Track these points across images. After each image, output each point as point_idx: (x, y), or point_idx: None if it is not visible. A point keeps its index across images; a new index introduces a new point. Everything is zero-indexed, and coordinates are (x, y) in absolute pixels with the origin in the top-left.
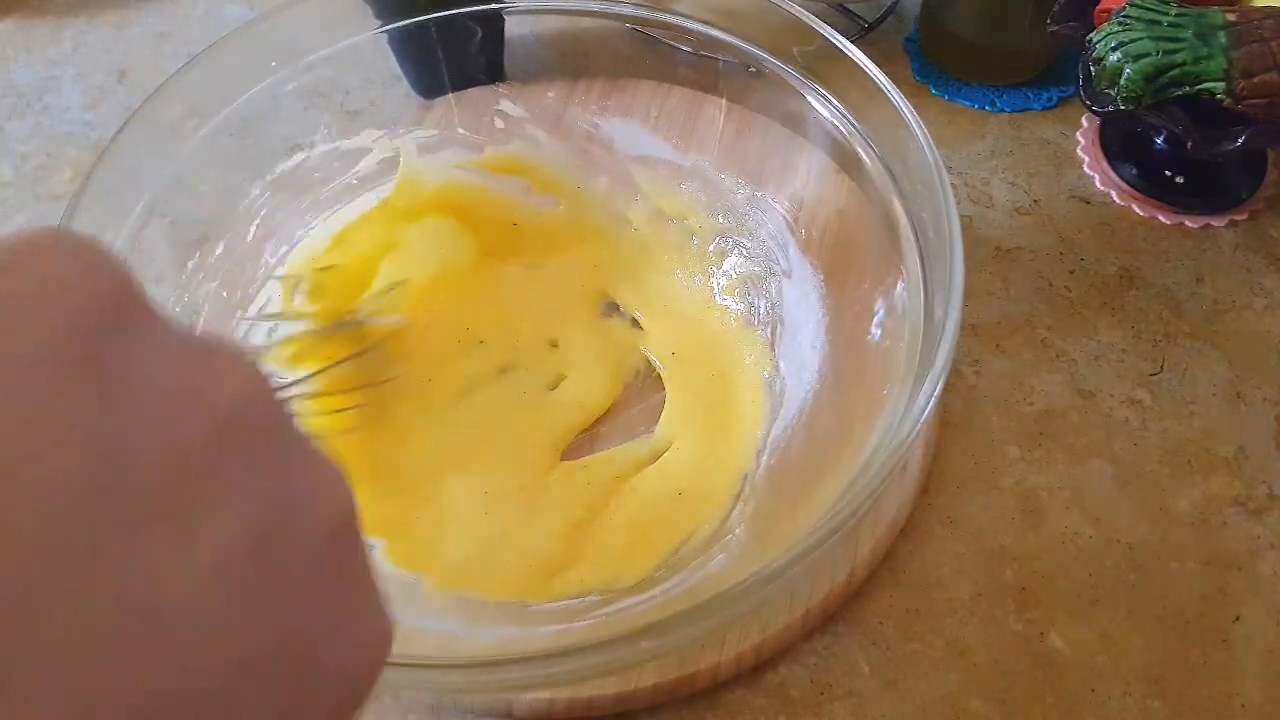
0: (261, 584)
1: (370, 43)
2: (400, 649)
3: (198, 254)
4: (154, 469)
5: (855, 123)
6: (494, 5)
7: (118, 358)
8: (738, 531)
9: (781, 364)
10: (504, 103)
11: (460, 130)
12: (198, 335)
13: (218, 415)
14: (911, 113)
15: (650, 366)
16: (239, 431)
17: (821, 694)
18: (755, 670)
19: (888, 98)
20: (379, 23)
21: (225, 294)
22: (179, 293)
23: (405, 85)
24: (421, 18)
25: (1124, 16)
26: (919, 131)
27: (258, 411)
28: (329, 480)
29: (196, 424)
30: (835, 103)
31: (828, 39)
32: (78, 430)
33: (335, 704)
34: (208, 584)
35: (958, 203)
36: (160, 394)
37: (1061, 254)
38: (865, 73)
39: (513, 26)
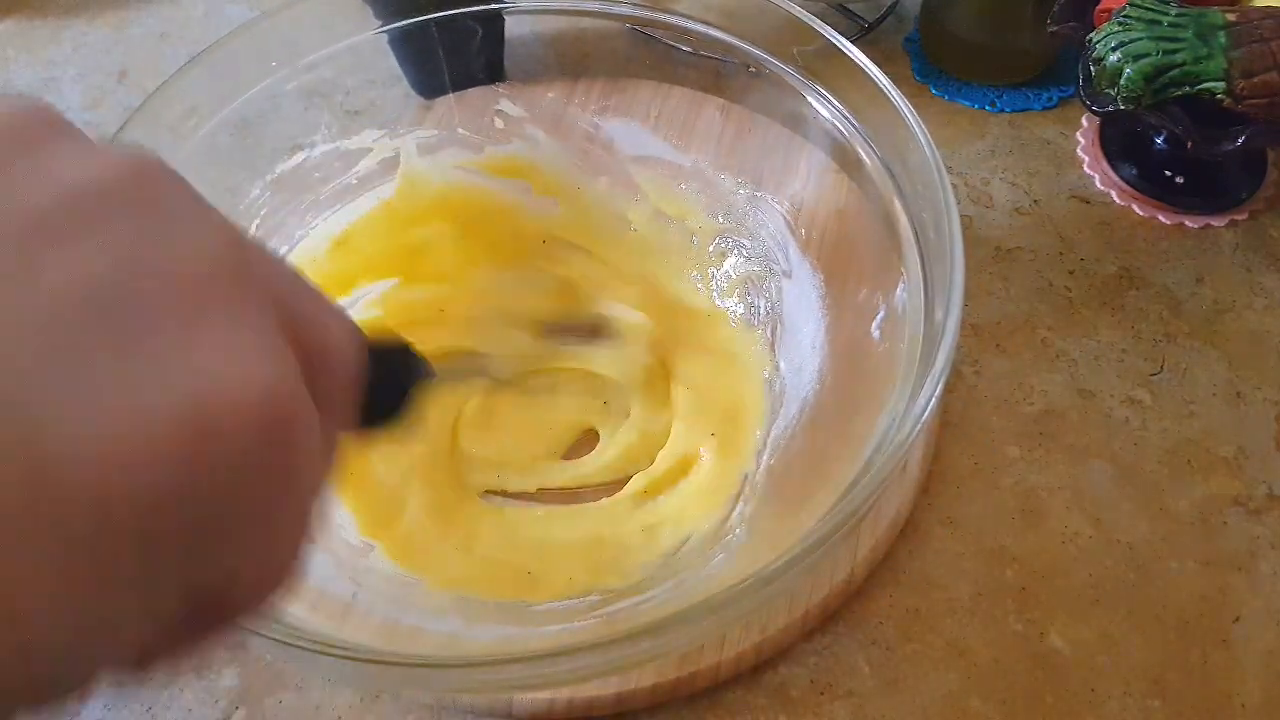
0: (101, 321)
1: (370, 43)
2: (401, 648)
3: None
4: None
5: (855, 123)
6: (494, 5)
7: (19, 168)
8: (738, 531)
9: (781, 364)
10: (504, 103)
11: (460, 130)
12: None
13: (71, 186)
14: (912, 113)
15: (649, 366)
16: (95, 196)
17: (821, 694)
18: (755, 670)
19: (888, 98)
20: (379, 23)
21: None
22: None
23: (405, 85)
24: (421, 18)
25: (1124, 16)
26: (919, 132)
27: (117, 179)
28: (204, 231)
29: (45, 193)
30: (835, 103)
31: (828, 39)
32: None
33: (186, 455)
34: (45, 316)
35: (958, 203)
36: (39, 181)
37: (1061, 254)
38: (865, 73)
39: (513, 26)
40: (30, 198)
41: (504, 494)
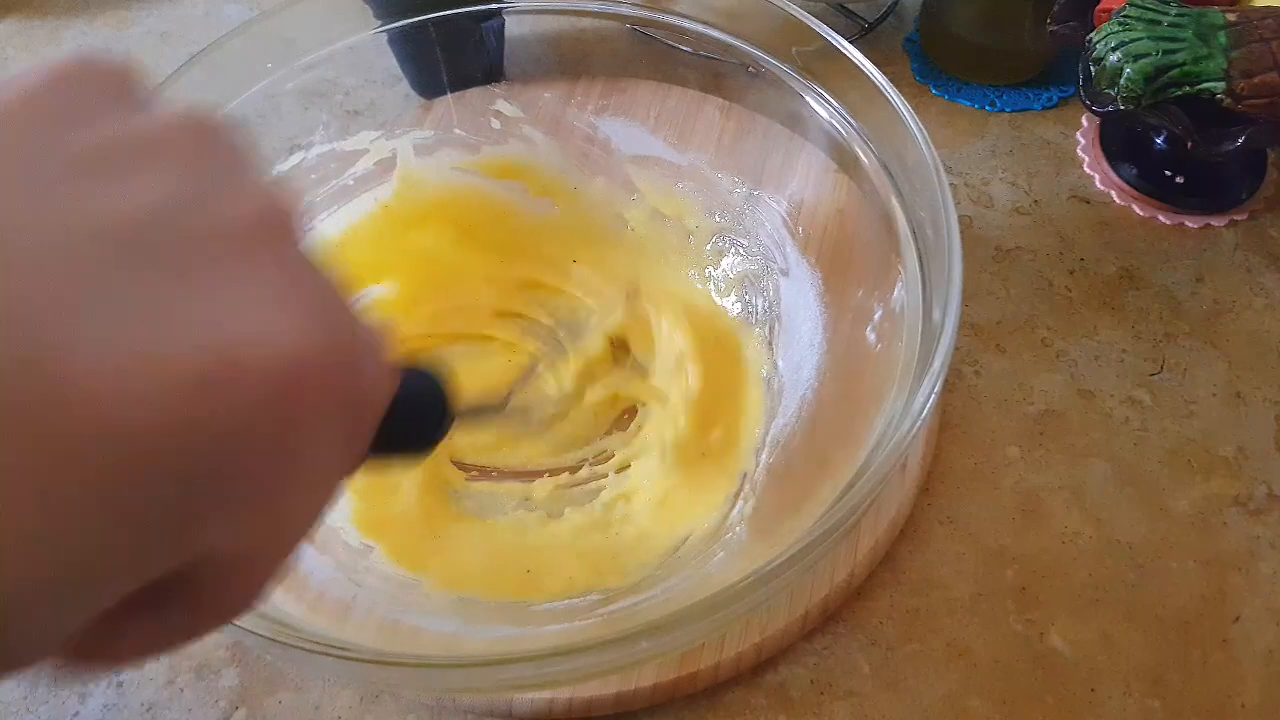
0: (137, 257)
1: (370, 43)
2: (401, 649)
3: None
4: (78, 147)
5: (853, 122)
6: (493, 4)
7: (80, 117)
8: (737, 530)
9: (780, 362)
10: (502, 103)
11: (457, 131)
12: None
13: (124, 133)
14: (910, 113)
15: (648, 366)
16: (148, 143)
17: (821, 694)
18: (755, 670)
19: (886, 98)
20: (379, 22)
21: None
22: None
23: (405, 85)
24: (421, 17)
25: (1124, 16)
26: (917, 131)
27: (172, 133)
28: (255, 189)
29: (97, 136)
30: (834, 103)
31: (827, 39)
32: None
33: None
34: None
35: (957, 203)
36: (93, 129)
37: (1061, 254)
38: (864, 73)
39: (513, 26)
40: (81, 139)
41: (498, 473)
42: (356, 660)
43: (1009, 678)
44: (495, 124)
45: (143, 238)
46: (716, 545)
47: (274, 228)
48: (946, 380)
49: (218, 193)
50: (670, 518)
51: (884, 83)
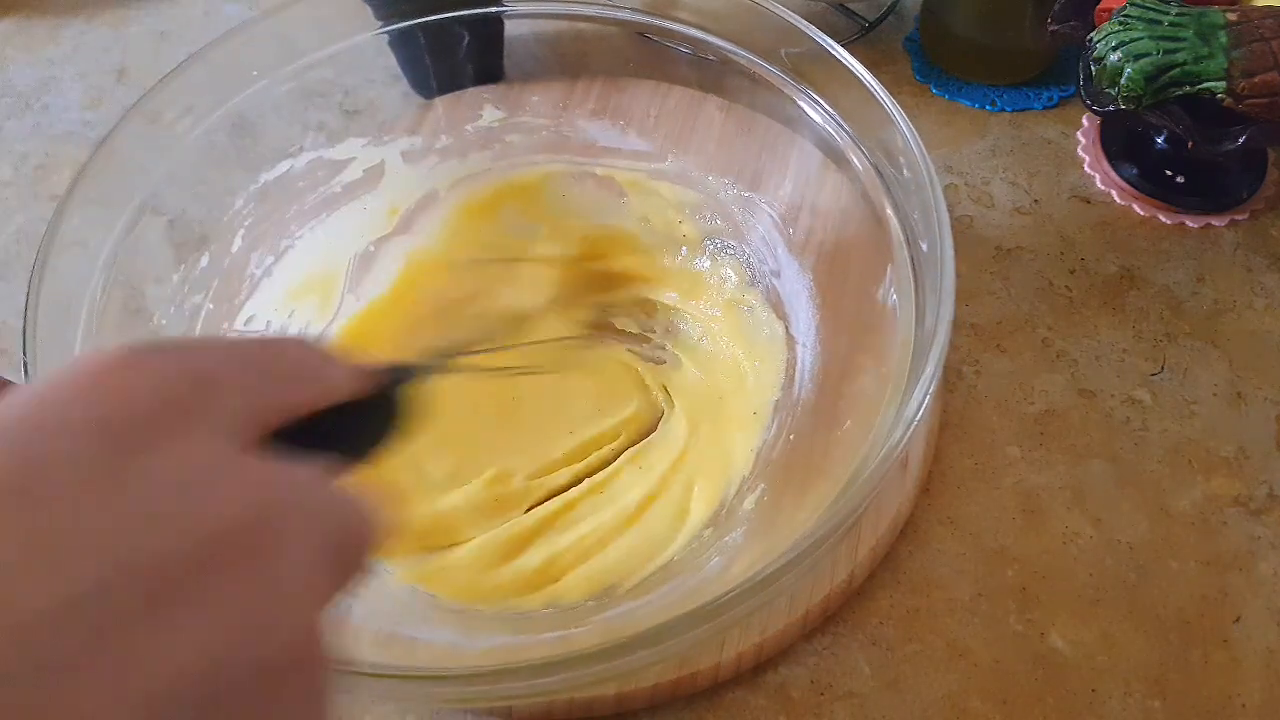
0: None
1: (370, 43)
2: (398, 660)
3: (183, 266)
4: (115, 591)
5: (845, 125)
6: (493, 9)
7: (140, 471)
8: (735, 534)
9: None
10: (499, 104)
11: (444, 138)
12: (227, 451)
13: (197, 536)
14: (901, 115)
15: (642, 372)
16: (215, 553)
17: (821, 694)
18: (755, 670)
19: (877, 100)
20: (379, 23)
21: (212, 306)
22: (165, 306)
23: (405, 86)
24: (421, 19)
25: (1124, 16)
26: (909, 133)
27: (244, 531)
28: (304, 601)
29: (169, 543)
30: (825, 105)
31: (817, 41)
32: (64, 556)
33: None
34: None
35: (958, 203)
36: (156, 514)
37: (1062, 254)
38: (854, 74)
39: (512, 27)
40: (155, 541)
41: (501, 496)
42: (353, 674)
43: (1009, 678)
44: (490, 125)
45: (190, 704)
46: (713, 550)
47: (309, 650)
48: (946, 380)
49: (268, 621)
50: (667, 523)
51: (874, 84)
